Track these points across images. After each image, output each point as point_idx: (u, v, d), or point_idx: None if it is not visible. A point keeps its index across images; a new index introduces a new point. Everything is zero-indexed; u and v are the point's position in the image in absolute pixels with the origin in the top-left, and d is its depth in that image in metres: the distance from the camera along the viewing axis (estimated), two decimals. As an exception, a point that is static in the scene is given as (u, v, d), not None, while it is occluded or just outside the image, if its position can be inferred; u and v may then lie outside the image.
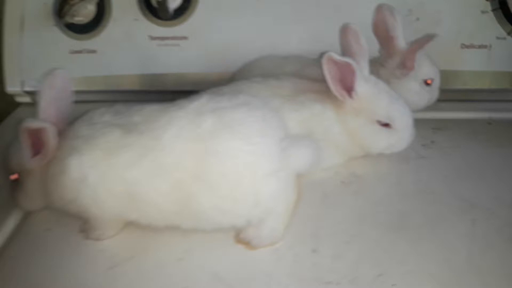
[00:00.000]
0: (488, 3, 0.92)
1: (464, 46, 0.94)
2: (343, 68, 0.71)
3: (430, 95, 0.87)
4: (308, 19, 0.96)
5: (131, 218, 0.65)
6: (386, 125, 0.75)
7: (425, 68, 0.86)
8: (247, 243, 0.64)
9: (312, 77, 0.81)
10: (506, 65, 0.93)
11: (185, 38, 0.98)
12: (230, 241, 0.66)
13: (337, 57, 0.70)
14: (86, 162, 0.62)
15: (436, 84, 0.87)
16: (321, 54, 0.71)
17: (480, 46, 0.93)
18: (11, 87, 1.04)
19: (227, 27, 0.97)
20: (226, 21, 0.97)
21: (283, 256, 0.63)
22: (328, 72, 0.72)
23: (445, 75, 0.90)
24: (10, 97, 1.08)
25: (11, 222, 0.72)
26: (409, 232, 0.66)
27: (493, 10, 0.92)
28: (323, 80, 0.79)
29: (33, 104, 1.05)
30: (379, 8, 0.84)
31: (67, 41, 1.00)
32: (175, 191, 0.60)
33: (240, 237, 0.65)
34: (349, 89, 0.73)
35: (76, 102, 1.01)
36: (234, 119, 0.62)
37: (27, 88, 1.03)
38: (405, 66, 0.84)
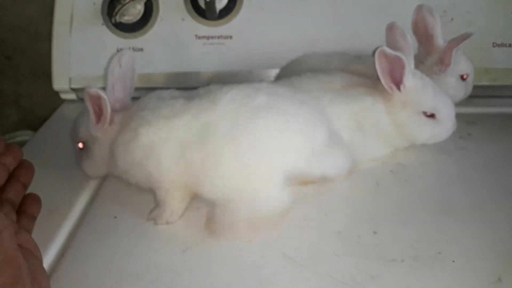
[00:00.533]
0: (518, 4, 0.98)
1: (495, 44, 0.99)
2: (393, 62, 0.76)
3: (465, 89, 0.93)
4: (347, 18, 1.02)
5: (189, 184, 0.69)
6: (431, 116, 0.80)
7: (462, 64, 0.91)
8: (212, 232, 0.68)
9: (356, 72, 0.87)
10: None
11: (230, 37, 1.02)
12: (297, 222, 0.71)
13: (389, 51, 0.75)
14: (153, 130, 0.68)
15: (471, 79, 0.93)
16: (375, 49, 0.76)
17: (511, 45, 0.99)
18: (58, 85, 1.08)
19: (270, 26, 1.02)
20: (269, 20, 1.02)
21: (346, 238, 0.68)
22: (380, 66, 0.77)
23: (477, 72, 0.95)
24: (55, 94, 1.13)
25: (77, 210, 0.77)
26: (459, 214, 0.72)
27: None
28: (370, 75, 0.84)
29: (77, 101, 1.10)
30: (419, 8, 0.90)
31: (114, 40, 1.05)
32: (208, 148, 0.65)
33: (209, 225, 0.69)
34: (397, 83, 0.78)
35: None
36: (286, 109, 0.68)
37: (74, 86, 1.08)
38: (443, 62, 0.90)
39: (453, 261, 0.64)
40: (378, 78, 0.80)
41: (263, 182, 0.66)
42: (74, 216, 0.75)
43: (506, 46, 1.00)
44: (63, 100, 1.13)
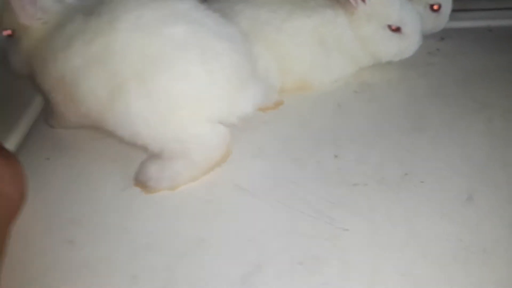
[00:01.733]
0: None
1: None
2: None
3: (435, 21, 0.83)
4: None
5: (88, 120, 0.60)
6: (397, 30, 0.73)
7: None
8: (143, 185, 0.59)
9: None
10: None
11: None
12: (250, 152, 0.64)
13: None
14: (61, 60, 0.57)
15: (445, 10, 0.83)
16: None
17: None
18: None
19: None
20: None
21: (305, 164, 0.62)
22: None
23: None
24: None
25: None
26: (429, 132, 0.66)
27: None
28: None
29: None
30: None
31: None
32: (111, 82, 0.54)
33: (138, 178, 0.60)
34: None
35: None
36: (211, 47, 0.55)
37: None
38: None
39: (422, 182, 0.58)
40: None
41: (187, 132, 0.56)
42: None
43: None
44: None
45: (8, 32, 0.66)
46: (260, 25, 0.69)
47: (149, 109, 0.54)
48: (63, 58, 0.57)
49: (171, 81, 0.54)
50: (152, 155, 0.60)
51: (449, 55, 0.83)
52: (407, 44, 0.75)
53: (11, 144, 0.70)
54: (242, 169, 0.61)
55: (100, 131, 0.61)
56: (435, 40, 0.86)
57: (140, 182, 0.60)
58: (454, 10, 0.84)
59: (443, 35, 0.87)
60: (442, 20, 0.84)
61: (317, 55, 0.72)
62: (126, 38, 0.54)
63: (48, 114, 0.71)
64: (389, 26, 0.72)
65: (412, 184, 0.58)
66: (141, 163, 0.61)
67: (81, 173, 0.63)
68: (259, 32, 0.69)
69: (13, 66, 0.68)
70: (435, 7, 0.82)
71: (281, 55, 0.70)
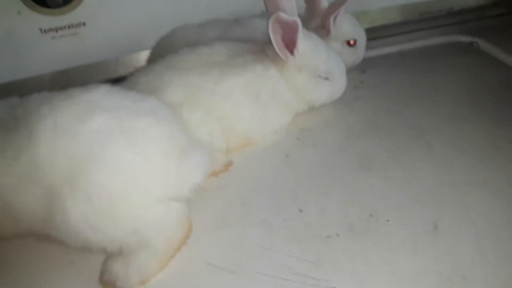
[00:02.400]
0: None
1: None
2: (286, 27, 0.69)
3: (354, 55, 0.88)
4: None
5: (22, 228, 0.55)
6: (325, 78, 0.76)
7: (345, 29, 0.86)
8: (112, 286, 0.55)
9: (237, 38, 0.78)
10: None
11: (83, 24, 0.86)
12: (212, 224, 0.61)
13: (285, 16, 0.67)
14: None
15: (361, 44, 0.88)
16: (268, 15, 0.69)
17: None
18: None
19: (126, 4, 0.88)
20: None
21: (272, 225, 0.61)
22: (274, 33, 0.69)
23: (356, 16, 0.91)
24: None
25: None
26: (377, 168, 0.68)
27: None
28: (253, 39, 0.76)
29: None
30: None
31: None
32: (46, 196, 0.50)
33: (105, 279, 0.56)
34: (291, 47, 0.71)
35: None
36: (135, 126, 0.52)
37: None
38: (324, 27, 0.84)
39: (387, 220, 0.60)
40: (266, 42, 0.72)
41: (140, 221, 0.52)
42: None
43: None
44: None
45: None
46: (194, 90, 0.68)
47: (91, 212, 0.50)
48: None
49: (106, 175, 0.50)
50: (112, 253, 0.55)
51: (373, 86, 0.88)
52: (337, 88, 0.79)
53: None
54: (210, 245, 0.59)
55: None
56: (357, 73, 0.90)
57: (108, 283, 0.55)
58: (369, 39, 0.90)
59: (363, 67, 0.92)
60: (359, 53, 0.89)
61: (255, 110, 0.72)
62: (48, 148, 0.50)
63: None
64: (319, 76, 0.75)
65: (379, 224, 0.59)
66: (103, 263, 0.56)
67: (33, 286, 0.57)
68: (194, 97, 0.68)
69: None
70: (351, 42, 0.87)
71: (220, 116, 0.69)
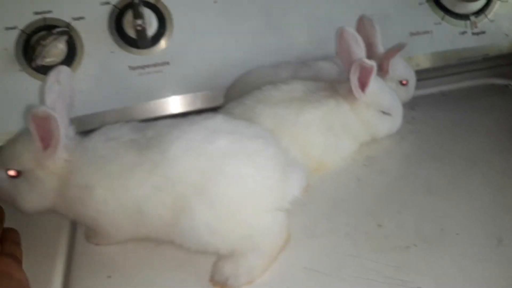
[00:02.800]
0: (423, -5, 1.09)
1: (412, 33, 1.09)
2: (364, 70, 0.81)
3: (406, 93, 0.99)
4: (284, 29, 1.04)
5: (141, 233, 0.66)
6: (388, 114, 0.88)
7: (400, 71, 0.98)
8: (223, 285, 0.63)
9: (306, 78, 0.89)
10: (446, 45, 1.11)
11: (167, 63, 0.98)
12: (302, 234, 0.70)
13: (367, 62, 0.80)
14: (107, 193, 0.63)
15: (411, 83, 1.00)
16: (356, 60, 0.81)
17: (425, 32, 1.09)
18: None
19: (206, 46, 1.00)
20: (204, 40, 1.00)
21: (356, 237, 0.70)
22: (354, 75, 0.82)
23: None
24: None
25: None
26: (440, 193, 0.78)
27: (427, 1, 1.09)
28: (322, 79, 0.88)
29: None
30: (360, 19, 0.96)
31: (38, 86, 0.94)
32: (177, 205, 0.60)
33: (216, 279, 0.64)
34: (363, 86, 0.83)
35: None
36: (251, 147, 0.63)
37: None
38: (382, 69, 0.96)
39: (457, 234, 0.68)
40: (336, 81, 0.84)
41: (253, 227, 0.61)
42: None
43: (420, 34, 1.10)
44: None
45: (13, 173, 0.66)
46: (280, 121, 0.79)
47: (214, 219, 0.60)
48: (122, 189, 0.62)
49: (230, 186, 0.60)
50: (222, 256, 0.64)
51: (423, 121, 0.99)
52: (396, 122, 0.91)
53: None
54: (303, 252, 0.67)
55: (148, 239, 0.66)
56: (408, 110, 1.00)
57: (219, 282, 0.64)
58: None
59: (412, 104, 1.02)
60: (410, 92, 1.00)
61: (328, 139, 0.83)
62: (182, 164, 0.61)
63: (91, 234, 0.73)
64: (382, 111, 0.87)
65: (451, 236, 0.68)
66: (213, 264, 0.65)
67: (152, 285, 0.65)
68: (281, 127, 0.79)
69: (26, 205, 0.68)
70: (404, 82, 0.98)
71: (301, 144, 0.80)
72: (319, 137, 0.82)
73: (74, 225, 0.77)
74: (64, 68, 0.69)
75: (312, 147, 0.81)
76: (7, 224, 0.73)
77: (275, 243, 0.65)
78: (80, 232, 0.76)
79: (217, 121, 0.66)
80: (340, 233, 0.70)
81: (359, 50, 0.83)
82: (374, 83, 0.84)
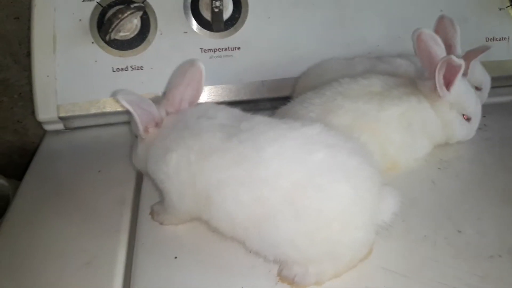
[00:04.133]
0: (504, 0, 1.05)
1: (488, 39, 1.05)
2: (450, 68, 0.78)
3: (480, 98, 0.95)
4: (354, 22, 1.01)
5: (203, 217, 0.65)
6: (467, 119, 0.86)
7: (477, 74, 0.94)
8: (290, 282, 0.62)
9: (383, 73, 0.87)
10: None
11: (237, 48, 0.97)
12: (379, 234, 0.68)
13: (455, 59, 0.76)
14: (181, 162, 0.64)
15: (486, 88, 0.97)
16: (444, 57, 0.77)
17: (501, 39, 1.05)
18: (44, 114, 0.95)
19: (278, 34, 0.98)
20: (277, 28, 0.98)
21: (435, 241, 0.67)
22: (439, 72, 0.78)
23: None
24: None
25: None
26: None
27: (507, 6, 1.05)
28: (404, 75, 0.85)
29: (64, 131, 0.97)
30: (441, 18, 0.92)
31: (109, 59, 0.94)
32: (255, 206, 0.58)
33: (283, 274, 0.62)
34: (448, 84, 0.80)
35: (121, 123, 0.98)
36: (349, 164, 0.60)
37: (64, 114, 0.95)
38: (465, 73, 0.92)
39: (545, 248, 0.65)
40: (418, 78, 0.81)
41: (338, 245, 0.59)
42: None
43: (497, 40, 1.06)
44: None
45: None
46: (361, 115, 0.77)
47: (299, 231, 0.58)
48: (197, 166, 0.62)
49: (322, 201, 0.58)
50: None
51: (496, 129, 0.95)
52: (472, 129, 0.88)
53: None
54: (380, 253, 0.65)
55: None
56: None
57: (286, 278, 0.62)
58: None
59: (483, 112, 0.98)
60: (484, 98, 0.97)
61: (405, 137, 0.80)
62: (275, 167, 0.58)
63: (157, 212, 0.73)
64: (464, 115, 0.85)
65: (538, 250, 0.65)
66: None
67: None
68: (361, 122, 0.77)
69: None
70: (479, 87, 0.95)
71: (380, 141, 0.77)
72: (398, 134, 0.79)
73: (136, 203, 0.77)
74: (197, 63, 0.74)
75: (391, 145, 0.79)
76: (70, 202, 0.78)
77: (356, 256, 0.63)
78: (143, 209, 0.76)
79: (315, 130, 0.62)
80: (418, 236, 0.68)
81: (439, 50, 0.80)
82: (461, 83, 0.81)
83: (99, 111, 0.95)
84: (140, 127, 0.69)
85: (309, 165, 0.58)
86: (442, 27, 0.92)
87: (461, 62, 0.76)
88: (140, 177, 0.84)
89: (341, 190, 0.58)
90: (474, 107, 0.84)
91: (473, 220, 0.71)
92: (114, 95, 0.74)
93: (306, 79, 0.94)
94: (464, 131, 0.86)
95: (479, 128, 0.94)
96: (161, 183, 0.67)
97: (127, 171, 0.85)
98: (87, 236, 0.72)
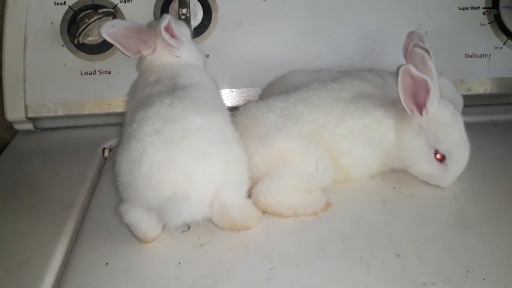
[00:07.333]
0: (486, 17, 1.01)
1: (467, 55, 1.02)
2: (417, 84, 0.72)
3: None
4: (327, 33, 1.00)
5: None
6: (441, 159, 0.75)
7: (448, 95, 0.87)
8: None
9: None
10: (504, 72, 1.02)
11: (206, 56, 0.96)
12: (313, 252, 0.66)
13: (415, 71, 0.71)
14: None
15: (458, 109, 0.89)
16: (398, 67, 0.72)
17: (481, 56, 1.02)
18: (13, 114, 0.96)
19: (247, 43, 0.98)
20: (246, 37, 0.98)
21: (370, 264, 0.65)
22: (402, 84, 0.72)
23: (453, 82, 0.96)
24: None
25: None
26: (473, 229, 0.71)
27: (490, 23, 1.01)
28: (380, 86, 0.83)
29: (32, 132, 0.99)
30: (410, 34, 0.86)
31: (77, 62, 0.95)
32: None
33: None
34: (420, 106, 0.74)
35: (89, 126, 0.99)
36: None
37: (32, 115, 0.96)
38: None
39: (484, 279, 0.62)
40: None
41: None
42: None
43: (477, 57, 1.02)
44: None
45: None
46: (319, 128, 0.76)
47: None
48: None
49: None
50: None
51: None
52: (442, 177, 0.76)
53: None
54: (309, 272, 0.63)
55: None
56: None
57: None
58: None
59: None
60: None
61: (362, 151, 0.78)
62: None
63: None
64: (436, 151, 0.74)
65: (476, 282, 0.62)
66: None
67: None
68: (318, 134, 0.76)
69: None
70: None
71: (334, 153, 0.76)
72: (355, 147, 0.77)
73: (85, 206, 0.78)
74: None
75: (345, 156, 0.77)
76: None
77: None
78: (91, 212, 0.76)
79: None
80: (354, 257, 0.66)
81: (427, 72, 0.74)
82: (441, 109, 0.73)
83: (66, 113, 0.96)
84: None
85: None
86: (410, 41, 0.89)
87: (422, 75, 0.70)
88: (96, 179, 0.85)
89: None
90: (452, 145, 0.74)
91: (416, 245, 0.68)
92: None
93: (272, 89, 0.93)
94: (427, 170, 0.77)
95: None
96: None
97: (85, 173, 0.86)
98: (29, 237, 0.73)
